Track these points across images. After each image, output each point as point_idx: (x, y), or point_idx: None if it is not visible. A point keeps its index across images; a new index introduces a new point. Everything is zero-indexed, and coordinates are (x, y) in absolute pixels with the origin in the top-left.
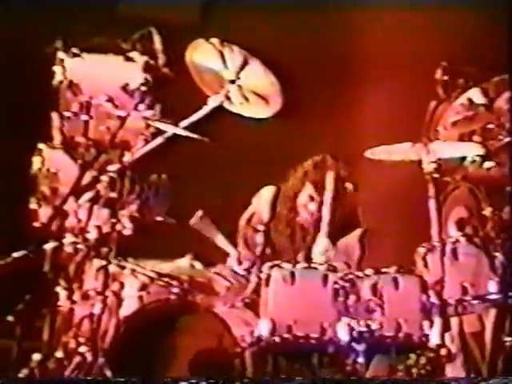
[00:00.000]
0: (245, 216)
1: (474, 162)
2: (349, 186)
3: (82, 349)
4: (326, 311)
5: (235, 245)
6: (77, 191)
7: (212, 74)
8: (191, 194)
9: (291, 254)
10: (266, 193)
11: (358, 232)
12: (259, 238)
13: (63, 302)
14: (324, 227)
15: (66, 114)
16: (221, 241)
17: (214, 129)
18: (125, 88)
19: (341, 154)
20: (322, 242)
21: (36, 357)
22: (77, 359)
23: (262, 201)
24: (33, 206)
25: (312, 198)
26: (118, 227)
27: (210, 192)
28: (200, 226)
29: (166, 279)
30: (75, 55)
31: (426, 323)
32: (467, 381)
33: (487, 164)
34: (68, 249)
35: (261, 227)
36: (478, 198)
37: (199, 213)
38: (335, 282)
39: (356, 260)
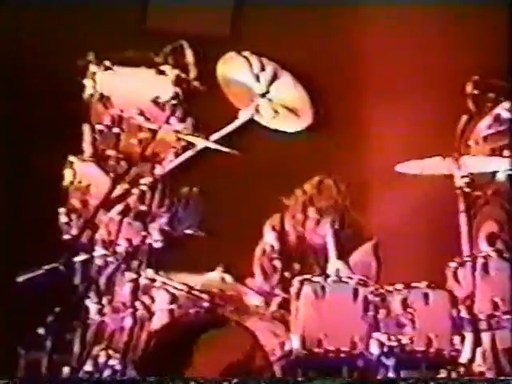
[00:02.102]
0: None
1: (505, 176)
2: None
3: (112, 362)
4: (356, 325)
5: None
6: (107, 204)
7: (242, 87)
8: (221, 207)
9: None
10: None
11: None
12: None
13: (94, 315)
14: (331, 250)
15: (98, 126)
16: None
17: (245, 142)
18: (156, 101)
19: (371, 167)
20: (332, 263)
21: (66, 369)
22: (107, 372)
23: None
24: (63, 218)
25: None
26: (149, 240)
27: (241, 205)
28: None
29: (197, 292)
30: (107, 68)
31: (456, 338)
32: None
33: None
34: (98, 261)
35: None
36: (509, 212)
37: None
38: (365, 297)
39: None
